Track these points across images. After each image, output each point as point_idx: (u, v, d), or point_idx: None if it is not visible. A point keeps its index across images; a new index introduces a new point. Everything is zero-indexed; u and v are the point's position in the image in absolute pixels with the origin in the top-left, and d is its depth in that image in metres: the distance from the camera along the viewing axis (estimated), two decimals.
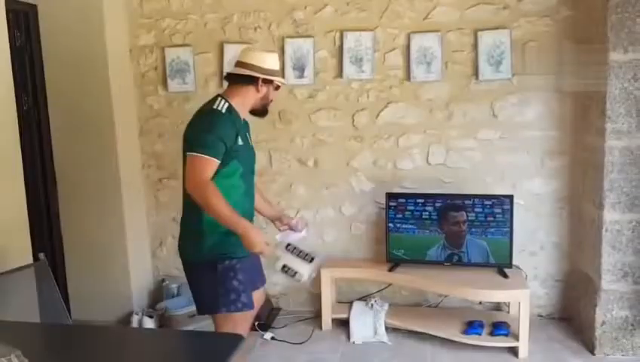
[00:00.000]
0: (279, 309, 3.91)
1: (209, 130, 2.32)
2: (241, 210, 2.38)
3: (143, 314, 3.75)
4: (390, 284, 3.72)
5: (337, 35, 3.70)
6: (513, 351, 3.22)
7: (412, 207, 3.55)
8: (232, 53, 3.78)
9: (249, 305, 2.43)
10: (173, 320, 3.68)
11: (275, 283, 3.96)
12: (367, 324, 3.54)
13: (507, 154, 3.62)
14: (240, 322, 2.43)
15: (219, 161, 2.32)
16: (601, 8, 3.08)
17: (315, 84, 3.76)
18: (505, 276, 3.38)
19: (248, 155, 2.52)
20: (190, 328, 3.66)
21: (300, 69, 3.74)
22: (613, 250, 3.14)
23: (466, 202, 3.46)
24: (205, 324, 3.68)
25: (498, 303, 3.67)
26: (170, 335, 2.61)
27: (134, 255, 3.91)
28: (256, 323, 3.61)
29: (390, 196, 3.60)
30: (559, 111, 3.54)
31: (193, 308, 3.59)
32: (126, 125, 3.87)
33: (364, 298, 3.74)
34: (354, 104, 3.73)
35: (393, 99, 3.71)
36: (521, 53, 3.52)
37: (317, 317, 3.74)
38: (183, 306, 3.72)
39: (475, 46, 3.54)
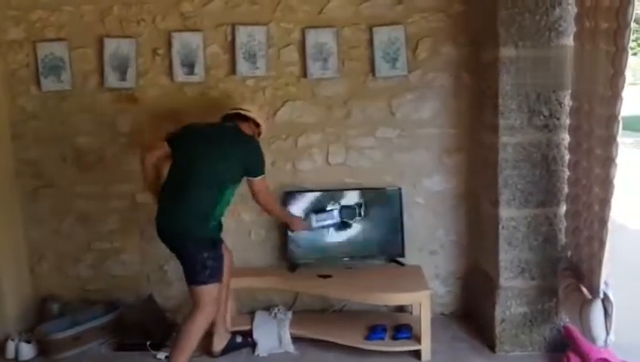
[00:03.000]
0: (175, 325, 3.63)
1: (263, 156, 3.07)
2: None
3: (19, 340, 3.37)
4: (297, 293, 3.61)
5: (229, 29, 3.48)
6: (416, 353, 3.15)
7: (310, 205, 3.51)
8: (113, 47, 3.47)
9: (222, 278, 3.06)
10: (54, 345, 3.33)
11: (170, 296, 3.70)
12: (272, 334, 3.38)
13: (406, 152, 3.56)
14: (219, 292, 3.02)
15: None
16: (491, 3, 3.06)
17: (206, 82, 3.52)
18: (401, 264, 3.49)
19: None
20: (73, 353, 3.34)
21: (189, 66, 3.49)
22: (509, 246, 3.14)
23: (360, 195, 3.51)
24: (88, 348, 3.39)
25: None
26: None
27: (8, 273, 3.51)
28: (147, 343, 3.34)
29: (288, 194, 3.53)
30: (456, 108, 3.52)
31: (76, 330, 3.35)
32: None
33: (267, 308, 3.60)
34: (249, 103, 3.52)
35: (290, 97, 3.55)
36: (416, 50, 3.46)
37: None
38: (64, 328, 3.38)
39: (371, 42, 3.44)
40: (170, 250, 2.98)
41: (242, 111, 3.11)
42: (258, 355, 3.30)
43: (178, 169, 2.97)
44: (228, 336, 3.31)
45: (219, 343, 3.27)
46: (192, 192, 2.89)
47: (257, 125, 3.15)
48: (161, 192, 3.01)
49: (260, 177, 3.02)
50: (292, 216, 3.40)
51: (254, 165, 3.02)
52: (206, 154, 2.93)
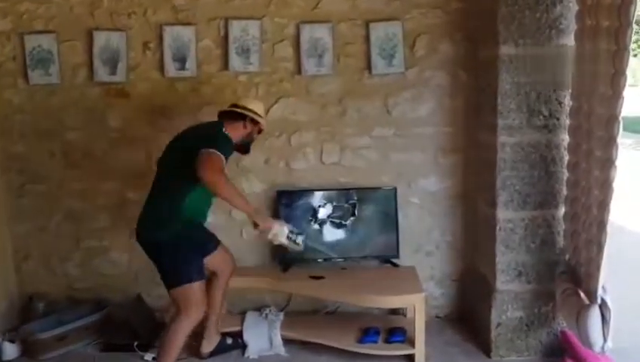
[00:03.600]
0: (163, 324, 3.54)
1: (226, 145, 2.75)
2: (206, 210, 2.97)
3: (3, 339, 3.29)
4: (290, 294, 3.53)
5: (222, 23, 3.40)
6: (410, 357, 3.09)
7: (303, 204, 3.46)
8: (102, 41, 3.38)
9: (203, 275, 2.87)
10: (39, 345, 3.25)
11: (159, 295, 3.59)
12: (263, 336, 3.31)
13: (402, 151, 3.49)
14: (199, 291, 2.83)
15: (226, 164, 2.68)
16: (491, 1, 2.99)
17: (198, 77, 3.44)
18: (395, 265, 3.44)
19: None
20: (57, 353, 3.26)
21: (181, 60, 3.41)
22: (506, 249, 3.07)
23: (354, 195, 3.45)
24: (74, 349, 3.31)
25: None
26: None
27: None
28: (135, 343, 3.27)
29: (280, 194, 3.47)
30: (452, 107, 3.45)
31: (61, 329, 3.27)
32: None
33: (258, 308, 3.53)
34: (249, 98, 3.43)
35: (284, 93, 3.47)
36: (413, 46, 3.39)
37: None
38: (50, 328, 3.30)
39: (367, 38, 3.37)
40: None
41: (238, 109, 2.94)
42: (248, 357, 3.22)
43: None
44: (218, 338, 3.23)
45: (208, 345, 3.19)
46: (153, 194, 2.83)
47: (255, 123, 2.99)
48: None
49: (207, 150, 2.60)
50: (254, 209, 2.88)
51: (205, 141, 2.66)
52: (166, 153, 2.85)
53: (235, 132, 2.91)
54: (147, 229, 2.80)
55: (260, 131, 3.05)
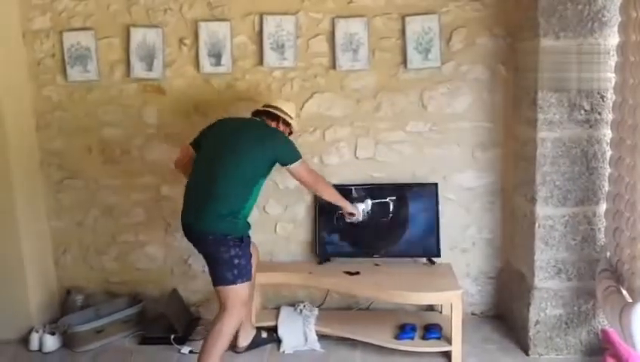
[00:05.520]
0: (199, 319, 3.59)
1: (293, 143, 2.99)
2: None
3: (44, 331, 3.35)
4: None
5: (256, 18, 3.40)
6: (446, 354, 3.06)
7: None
8: (139, 37, 3.42)
9: (252, 276, 2.93)
10: (78, 337, 3.30)
11: (195, 290, 3.66)
12: (297, 331, 3.31)
13: (437, 146, 3.45)
14: (248, 291, 2.88)
15: None
16: None
17: (233, 73, 3.44)
18: (432, 262, 3.41)
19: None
20: (95, 346, 3.31)
21: (216, 56, 3.41)
22: (546, 246, 3.02)
23: (393, 192, 3.44)
24: (112, 341, 3.36)
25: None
26: None
27: (32, 264, 3.48)
28: (172, 337, 3.30)
29: None
30: (490, 102, 3.39)
31: (99, 322, 3.32)
32: (19, 119, 3.43)
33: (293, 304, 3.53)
34: (276, 95, 3.44)
35: (318, 89, 3.46)
36: (450, 40, 3.34)
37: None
38: (88, 321, 3.35)
39: (403, 32, 3.33)
40: (196, 249, 2.89)
41: (272, 110, 3.03)
42: (283, 352, 3.23)
43: (203, 166, 2.86)
44: (253, 332, 3.25)
45: (244, 339, 3.21)
46: (218, 189, 2.77)
47: (287, 124, 3.07)
48: (186, 190, 2.91)
49: (296, 163, 2.90)
50: (345, 200, 3.17)
51: (285, 152, 2.90)
52: (231, 149, 2.82)
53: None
54: (210, 221, 2.76)
55: (290, 133, 3.10)
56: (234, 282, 2.75)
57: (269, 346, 3.29)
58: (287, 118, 3.04)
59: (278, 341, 3.29)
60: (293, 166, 2.89)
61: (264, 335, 3.30)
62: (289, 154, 2.90)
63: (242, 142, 2.84)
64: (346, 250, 3.50)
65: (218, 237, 2.76)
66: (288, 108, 3.08)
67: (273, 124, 3.00)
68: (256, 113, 3.06)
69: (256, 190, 2.90)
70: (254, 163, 2.84)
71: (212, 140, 2.92)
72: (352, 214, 3.19)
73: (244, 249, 2.82)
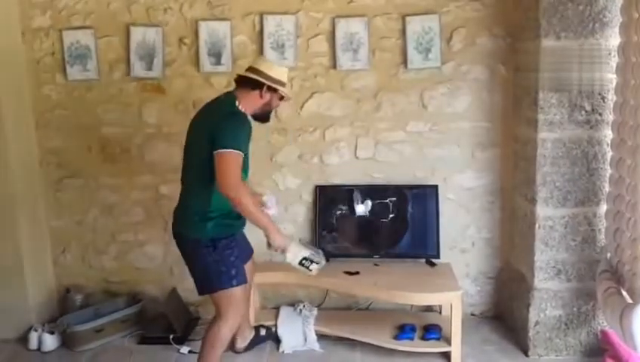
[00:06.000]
0: (198, 319, 3.59)
1: (242, 130, 2.52)
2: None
3: (43, 331, 3.35)
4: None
5: (257, 18, 3.39)
6: (446, 355, 3.06)
7: (342, 199, 3.47)
8: (139, 36, 3.41)
9: (244, 279, 2.66)
10: (77, 337, 3.30)
11: (194, 289, 3.56)
12: (297, 331, 3.31)
13: (437, 146, 3.45)
14: (239, 296, 2.65)
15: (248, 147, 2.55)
16: None
17: (233, 72, 3.41)
18: (432, 265, 3.36)
19: (248, 159, 2.63)
20: (95, 345, 3.31)
21: (216, 56, 3.41)
22: (545, 246, 3.02)
23: (394, 192, 3.43)
24: (111, 340, 3.35)
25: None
26: None
27: (32, 263, 3.48)
28: (171, 336, 3.30)
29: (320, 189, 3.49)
30: (490, 102, 3.39)
31: (98, 322, 3.32)
32: (19, 117, 3.42)
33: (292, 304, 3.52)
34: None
35: (318, 88, 3.45)
36: (450, 40, 3.34)
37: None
38: (87, 320, 3.35)
39: (403, 32, 3.33)
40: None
41: (250, 74, 2.62)
42: (282, 352, 3.23)
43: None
44: (252, 333, 3.24)
45: (242, 341, 3.20)
46: (184, 188, 2.67)
47: (274, 90, 2.65)
48: None
49: (222, 149, 2.41)
50: (272, 222, 2.62)
51: (219, 135, 2.44)
52: (188, 148, 2.64)
53: (251, 103, 2.64)
54: (180, 224, 2.66)
55: (281, 98, 2.73)
56: (222, 287, 2.59)
57: (268, 347, 3.28)
58: (273, 84, 2.63)
59: (277, 339, 3.29)
60: (217, 151, 2.42)
61: (262, 332, 3.28)
62: (221, 138, 2.43)
63: (194, 134, 2.63)
64: (345, 250, 3.50)
65: (190, 242, 2.62)
66: (275, 72, 2.65)
67: (256, 93, 2.62)
68: (238, 79, 2.69)
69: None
70: (201, 154, 2.52)
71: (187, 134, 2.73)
72: (282, 250, 2.60)
73: (221, 252, 2.58)
